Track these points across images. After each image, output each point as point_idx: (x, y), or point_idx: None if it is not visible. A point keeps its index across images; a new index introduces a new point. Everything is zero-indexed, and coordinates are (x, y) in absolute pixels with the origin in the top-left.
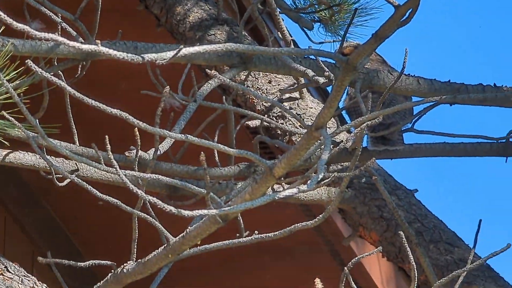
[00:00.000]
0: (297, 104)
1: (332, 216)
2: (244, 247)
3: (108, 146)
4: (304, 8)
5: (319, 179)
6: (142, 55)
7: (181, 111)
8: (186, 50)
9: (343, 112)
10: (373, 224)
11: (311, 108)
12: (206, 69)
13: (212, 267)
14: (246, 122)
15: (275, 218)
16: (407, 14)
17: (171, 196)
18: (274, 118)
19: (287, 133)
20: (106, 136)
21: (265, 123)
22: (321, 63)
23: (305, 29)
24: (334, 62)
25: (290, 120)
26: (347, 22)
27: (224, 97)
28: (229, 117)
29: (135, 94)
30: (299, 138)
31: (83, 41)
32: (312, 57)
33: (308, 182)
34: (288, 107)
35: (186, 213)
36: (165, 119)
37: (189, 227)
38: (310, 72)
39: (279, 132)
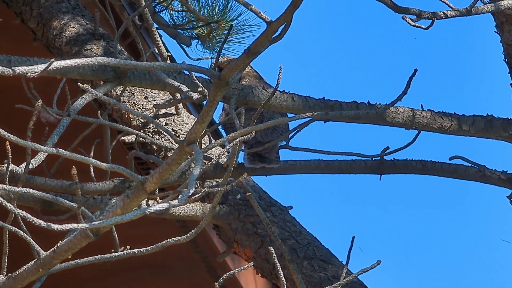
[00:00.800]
0: (173, 120)
1: (209, 232)
2: (122, 262)
3: None
4: (182, 25)
5: (189, 194)
6: (13, 67)
7: (56, 126)
8: (58, 64)
9: (220, 128)
10: (247, 241)
11: (187, 124)
12: (79, 83)
13: (89, 281)
14: (122, 137)
15: (152, 234)
16: (280, 30)
17: (45, 211)
18: (149, 134)
19: (163, 149)
20: None
21: (140, 139)
22: (195, 78)
23: (183, 45)
24: (209, 77)
25: (166, 135)
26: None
27: (99, 112)
28: (105, 132)
29: (10, 109)
30: None
31: None
32: (187, 72)
33: (179, 197)
34: (164, 123)
35: (55, 227)
36: (41, 134)
37: (60, 242)
38: (184, 88)
39: (154, 147)
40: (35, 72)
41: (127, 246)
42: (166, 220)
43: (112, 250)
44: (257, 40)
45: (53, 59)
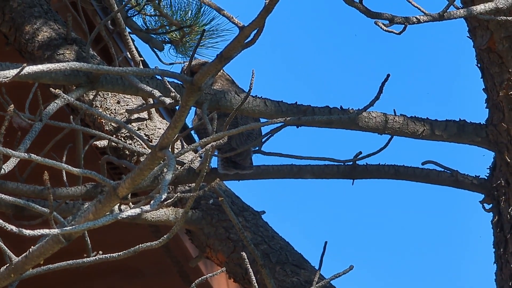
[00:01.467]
0: (146, 124)
1: (181, 237)
2: (93, 267)
3: None
4: (155, 29)
5: (162, 199)
6: None
7: (28, 131)
8: (30, 69)
9: (193, 132)
10: (220, 245)
11: (160, 129)
12: (51, 88)
13: (61, 287)
14: (94, 142)
15: (125, 239)
16: (252, 35)
17: (17, 216)
18: (122, 139)
19: (135, 154)
20: None
21: (113, 143)
22: (167, 83)
23: (155, 50)
24: (181, 82)
25: (139, 140)
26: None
27: (71, 116)
28: (77, 137)
29: None
30: None
31: None
32: (160, 77)
33: (152, 202)
34: (136, 128)
35: (27, 232)
36: (13, 139)
37: (32, 247)
38: (157, 93)
39: (127, 152)
40: (7, 77)
41: (99, 251)
42: (138, 225)
43: (85, 255)
44: (230, 45)
45: (25, 64)
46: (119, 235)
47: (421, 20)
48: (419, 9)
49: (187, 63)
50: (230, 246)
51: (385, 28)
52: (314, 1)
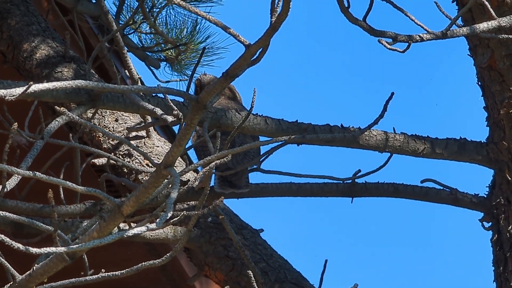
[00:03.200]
0: (144, 142)
1: (177, 255)
2: (89, 286)
3: None
4: (151, 47)
5: (168, 217)
6: None
7: (27, 148)
8: (36, 87)
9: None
10: (218, 263)
11: (158, 146)
12: (55, 106)
13: None
14: (92, 160)
15: (121, 257)
16: (258, 53)
17: (16, 234)
18: (120, 157)
19: (133, 172)
20: None
21: (111, 161)
22: (169, 101)
23: (152, 67)
24: (182, 100)
25: (137, 158)
26: (193, 61)
27: (70, 135)
28: (75, 155)
29: None
30: (146, 177)
31: None
32: (161, 95)
33: (157, 220)
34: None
35: (34, 250)
36: (12, 156)
37: (35, 265)
38: (159, 111)
39: (125, 170)
40: (14, 95)
41: (102, 270)
42: (133, 243)
43: (82, 273)
44: (235, 63)
45: (31, 82)
46: (115, 253)
47: (424, 38)
48: (422, 27)
49: (183, 81)
50: (229, 264)
51: (388, 46)
52: (316, 18)
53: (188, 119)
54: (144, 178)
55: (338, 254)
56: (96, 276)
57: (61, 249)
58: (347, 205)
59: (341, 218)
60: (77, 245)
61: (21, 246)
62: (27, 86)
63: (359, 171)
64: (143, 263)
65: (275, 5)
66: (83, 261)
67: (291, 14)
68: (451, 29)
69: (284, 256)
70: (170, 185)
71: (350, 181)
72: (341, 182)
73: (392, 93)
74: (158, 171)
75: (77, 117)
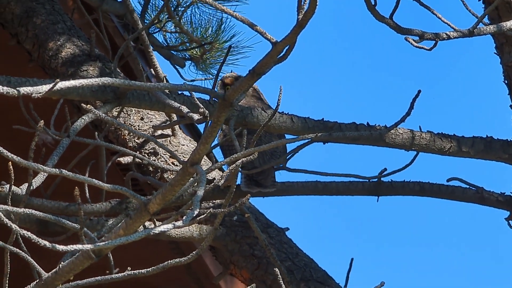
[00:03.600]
0: (169, 141)
1: (202, 254)
2: (113, 284)
3: None
4: (176, 46)
5: (194, 215)
6: (17, 88)
7: (52, 147)
8: (62, 84)
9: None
10: (244, 262)
11: (183, 145)
12: (82, 104)
13: None
14: (118, 159)
15: (143, 256)
16: (284, 51)
17: (40, 232)
18: (146, 155)
19: (159, 170)
20: None
21: (137, 160)
22: (195, 99)
23: (177, 66)
24: (207, 98)
25: (162, 156)
26: (217, 60)
27: (96, 133)
28: (100, 153)
29: (2, 129)
30: (171, 175)
31: None
32: (186, 93)
33: (184, 218)
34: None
35: (60, 247)
36: (37, 155)
37: (62, 262)
38: (185, 109)
39: (150, 169)
40: (40, 93)
41: (128, 268)
42: (156, 242)
43: (107, 272)
44: (262, 61)
45: (58, 80)
46: (138, 251)
47: (451, 36)
48: (449, 25)
49: (208, 80)
50: (254, 263)
51: (415, 44)
52: (342, 16)
53: (215, 117)
54: (169, 177)
55: (364, 253)
56: (122, 274)
57: (88, 246)
58: (373, 204)
59: (366, 217)
60: (103, 243)
61: (47, 244)
62: (53, 83)
63: (385, 169)
64: (169, 261)
65: (302, 3)
66: (107, 260)
67: (317, 11)
68: (477, 27)
69: (310, 255)
70: (196, 183)
71: (376, 179)
72: (367, 180)
73: (419, 91)
74: (185, 169)
75: (103, 115)
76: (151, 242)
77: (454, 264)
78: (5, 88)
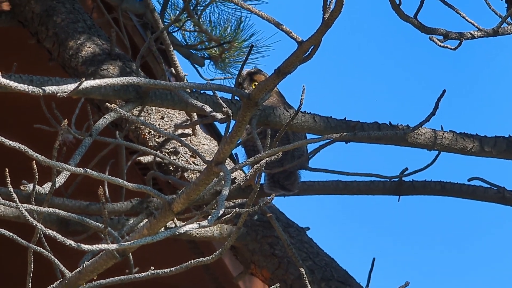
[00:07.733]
0: (190, 140)
1: None
2: (130, 283)
3: (8, 179)
4: (195, 45)
5: (219, 215)
6: (43, 87)
7: (73, 146)
8: (87, 83)
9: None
10: (264, 262)
11: (204, 144)
12: (106, 103)
13: None
14: (139, 158)
15: (162, 255)
16: (309, 50)
17: (61, 232)
18: (166, 154)
19: (179, 169)
20: (6, 169)
21: (158, 159)
22: (218, 98)
23: (196, 65)
24: (229, 98)
25: (183, 156)
26: (236, 59)
27: (117, 132)
28: (120, 153)
29: (22, 128)
30: (192, 174)
31: None
32: (209, 92)
33: (209, 217)
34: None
35: (86, 247)
36: (59, 154)
37: (85, 262)
38: (208, 108)
39: (171, 168)
40: (65, 92)
41: (151, 267)
42: (175, 241)
43: (127, 271)
44: (288, 60)
45: (83, 79)
46: (156, 250)
47: (475, 35)
48: (474, 24)
49: (227, 79)
50: (275, 262)
51: (440, 43)
52: (366, 15)
53: (240, 116)
54: (189, 176)
55: (385, 253)
56: (145, 273)
57: (113, 245)
58: (394, 204)
59: (387, 216)
60: (128, 243)
61: (73, 243)
62: (79, 82)
63: (406, 169)
64: (192, 261)
65: (328, 2)
66: (127, 259)
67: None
68: (501, 27)
69: (330, 254)
70: (220, 183)
71: (397, 179)
72: (388, 180)
73: (444, 91)
74: (209, 168)
75: (128, 113)
76: (169, 241)
77: (473, 262)
78: (30, 87)
